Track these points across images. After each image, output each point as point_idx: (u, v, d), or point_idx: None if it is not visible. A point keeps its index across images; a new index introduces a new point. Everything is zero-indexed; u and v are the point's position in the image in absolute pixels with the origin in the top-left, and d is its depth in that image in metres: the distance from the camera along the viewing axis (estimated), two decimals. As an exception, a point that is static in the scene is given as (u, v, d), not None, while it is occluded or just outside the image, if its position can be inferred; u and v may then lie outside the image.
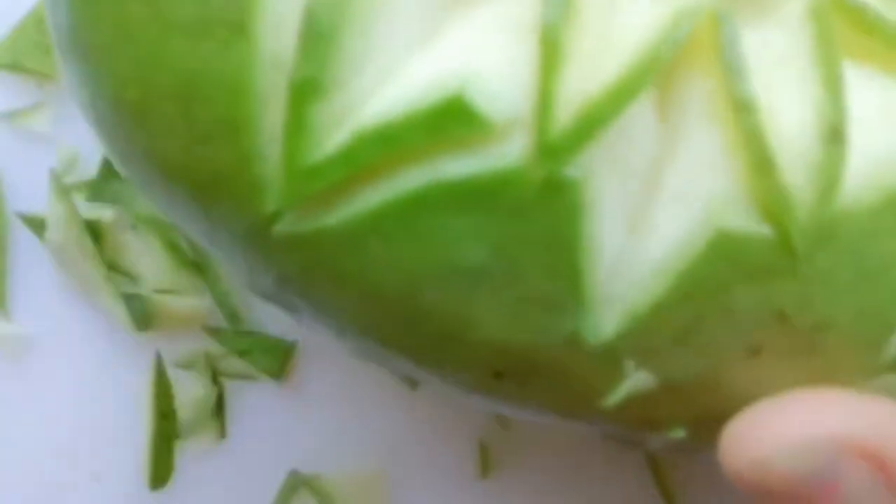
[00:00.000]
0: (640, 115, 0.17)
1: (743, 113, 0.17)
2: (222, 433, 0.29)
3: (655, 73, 0.17)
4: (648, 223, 0.17)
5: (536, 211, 0.17)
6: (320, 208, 0.17)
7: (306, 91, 0.17)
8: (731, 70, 0.17)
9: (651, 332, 0.18)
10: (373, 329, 0.19)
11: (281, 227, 0.18)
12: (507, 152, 0.17)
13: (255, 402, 0.29)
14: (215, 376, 0.29)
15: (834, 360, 0.18)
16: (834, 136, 0.17)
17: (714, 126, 0.17)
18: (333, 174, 0.17)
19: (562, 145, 0.17)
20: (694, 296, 0.17)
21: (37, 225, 0.29)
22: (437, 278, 0.17)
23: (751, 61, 0.17)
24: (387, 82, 0.17)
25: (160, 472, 0.29)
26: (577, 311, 0.18)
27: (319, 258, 0.18)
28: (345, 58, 0.17)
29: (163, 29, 0.18)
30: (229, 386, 0.29)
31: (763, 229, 0.17)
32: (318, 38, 0.17)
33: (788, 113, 0.17)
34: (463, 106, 0.17)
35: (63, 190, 0.29)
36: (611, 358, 0.18)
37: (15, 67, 0.30)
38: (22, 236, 0.29)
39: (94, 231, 0.29)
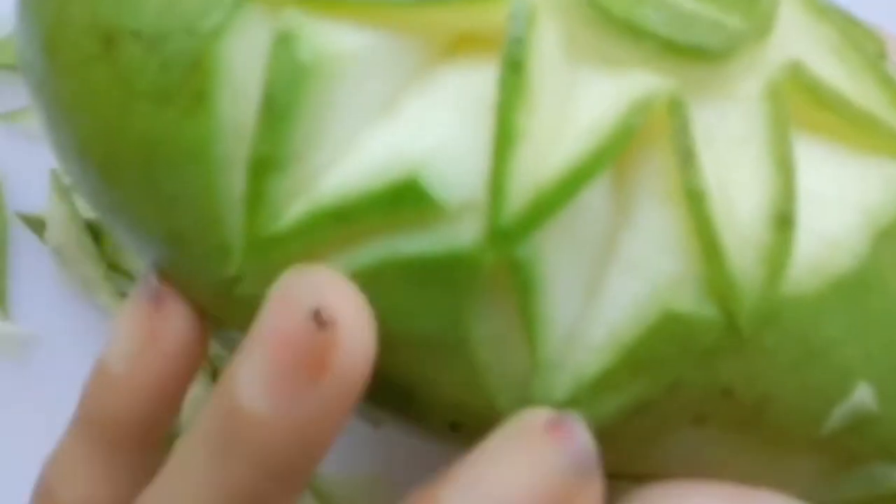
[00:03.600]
0: (595, 193, 0.18)
1: (692, 201, 0.18)
2: (222, 433, 0.29)
3: (610, 160, 0.17)
4: (603, 293, 0.18)
5: (489, 288, 0.18)
6: (280, 275, 0.18)
7: (265, 166, 0.17)
8: (681, 160, 0.17)
9: (600, 397, 0.18)
10: None
11: (242, 290, 0.19)
12: (460, 234, 0.17)
13: (254, 401, 0.29)
14: (215, 376, 0.29)
15: (777, 431, 0.19)
16: (783, 222, 0.18)
17: (666, 208, 0.18)
18: (292, 246, 0.18)
19: (513, 230, 0.17)
20: (640, 369, 0.18)
21: (37, 225, 0.30)
22: (393, 345, 0.18)
23: (709, 139, 0.18)
24: (344, 157, 0.18)
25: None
26: (530, 375, 0.18)
27: None
28: (303, 133, 0.17)
29: (125, 94, 0.18)
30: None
31: (710, 312, 0.18)
32: (276, 116, 0.17)
33: (741, 194, 0.18)
34: (416, 188, 0.17)
35: (63, 190, 0.29)
36: None
37: (15, 67, 0.30)
38: (22, 236, 0.30)
39: (94, 231, 0.29)
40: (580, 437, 0.17)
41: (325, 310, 0.17)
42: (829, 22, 0.20)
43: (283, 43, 0.17)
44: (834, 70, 0.20)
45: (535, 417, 0.17)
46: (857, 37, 0.20)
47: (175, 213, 0.19)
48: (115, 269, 0.30)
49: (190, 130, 0.18)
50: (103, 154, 0.19)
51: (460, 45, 0.18)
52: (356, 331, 0.17)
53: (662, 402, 0.18)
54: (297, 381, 0.17)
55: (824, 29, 0.20)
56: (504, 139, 0.17)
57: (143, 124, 0.18)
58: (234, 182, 0.18)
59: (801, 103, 0.19)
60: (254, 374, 0.17)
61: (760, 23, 0.19)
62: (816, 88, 0.19)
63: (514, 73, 0.17)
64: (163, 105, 0.18)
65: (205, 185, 0.18)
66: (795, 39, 0.20)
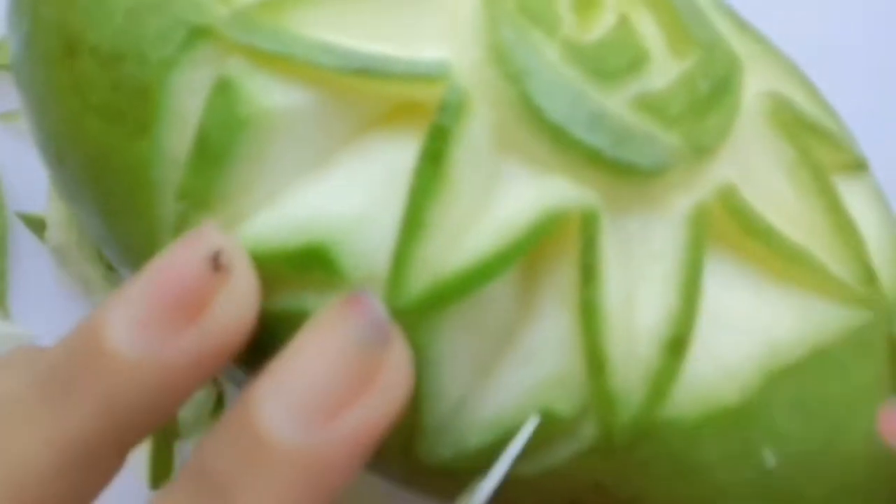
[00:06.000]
0: (501, 287, 0.18)
1: (586, 314, 0.18)
2: (222, 433, 0.29)
3: (513, 262, 0.18)
4: (494, 377, 0.19)
5: None
6: None
7: (190, 202, 0.18)
8: (582, 274, 0.18)
9: (481, 465, 0.19)
10: None
11: None
12: None
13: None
14: (215, 376, 0.29)
15: None
16: (675, 346, 0.18)
17: (565, 313, 0.18)
18: None
19: (409, 311, 0.18)
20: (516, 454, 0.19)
21: (37, 225, 0.30)
22: None
23: (626, 249, 0.18)
24: (267, 208, 0.18)
25: (160, 471, 0.30)
26: (413, 437, 0.19)
27: None
28: (231, 178, 0.18)
29: (80, 103, 0.19)
30: (229, 386, 0.29)
31: (586, 418, 0.18)
32: (206, 158, 0.18)
33: (643, 310, 0.18)
34: (324, 255, 0.18)
35: (62, 190, 0.29)
36: (444, 474, 0.19)
37: (13, 68, 0.30)
38: (22, 236, 0.30)
39: (94, 231, 0.29)
40: (373, 308, 0.17)
41: (224, 255, 0.17)
42: (791, 138, 0.20)
43: (223, 90, 0.18)
44: (783, 191, 0.19)
45: (333, 302, 0.18)
46: (822, 153, 0.20)
47: (118, 225, 0.19)
48: (114, 269, 0.30)
49: (134, 151, 0.19)
50: (59, 150, 0.20)
51: (398, 113, 0.18)
52: (245, 286, 0.17)
53: (538, 481, 0.19)
54: (172, 321, 0.17)
55: (784, 146, 0.20)
56: (412, 226, 0.17)
57: (94, 135, 0.19)
58: (169, 208, 0.19)
59: (732, 227, 0.19)
60: (128, 311, 0.17)
61: (701, 142, 0.18)
62: (745, 216, 0.19)
63: (431, 163, 0.17)
64: (111, 123, 0.19)
65: (144, 206, 0.19)
66: (750, 155, 0.19)
